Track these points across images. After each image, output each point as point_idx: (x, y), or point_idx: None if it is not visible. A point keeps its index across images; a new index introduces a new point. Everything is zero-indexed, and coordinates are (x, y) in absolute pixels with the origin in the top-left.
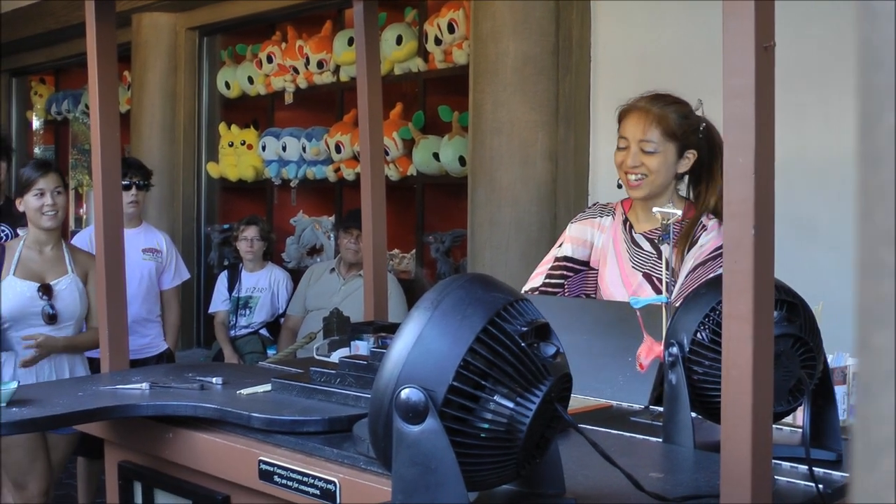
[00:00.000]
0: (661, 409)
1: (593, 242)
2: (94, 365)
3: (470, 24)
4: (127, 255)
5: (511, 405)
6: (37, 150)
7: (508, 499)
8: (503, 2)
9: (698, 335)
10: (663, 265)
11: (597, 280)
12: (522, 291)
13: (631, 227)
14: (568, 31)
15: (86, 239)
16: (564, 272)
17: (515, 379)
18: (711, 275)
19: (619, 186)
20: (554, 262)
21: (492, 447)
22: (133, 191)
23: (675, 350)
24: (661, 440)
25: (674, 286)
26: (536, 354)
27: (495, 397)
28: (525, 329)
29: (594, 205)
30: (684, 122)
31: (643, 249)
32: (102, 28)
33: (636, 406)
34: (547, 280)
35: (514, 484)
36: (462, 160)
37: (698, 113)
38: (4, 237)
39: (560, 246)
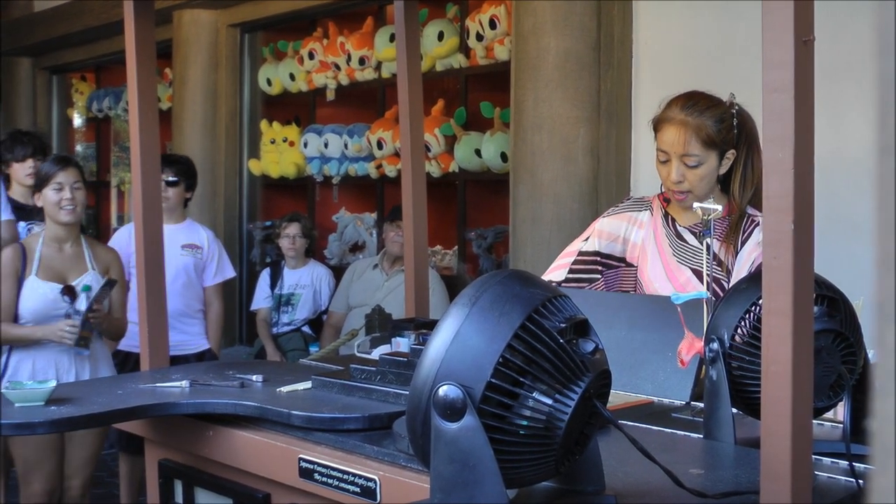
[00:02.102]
0: (701, 405)
1: (628, 238)
2: (118, 357)
3: (511, 21)
4: (165, 251)
5: (549, 402)
6: (78, 148)
7: (548, 496)
8: None
9: (739, 331)
10: (704, 260)
11: (636, 276)
12: None
13: (674, 220)
14: (609, 27)
15: (126, 235)
16: (595, 266)
17: (554, 376)
18: None
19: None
20: (578, 255)
21: (530, 444)
22: (161, 186)
23: (715, 346)
24: (701, 436)
25: (725, 282)
26: (575, 351)
27: (534, 394)
28: (563, 325)
29: (628, 199)
30: (721, 126)
31: (688, 244)
32: (141, 26)
33: (677, 402)
34: (570, 275)
35: (553, 481)
36: (504, 156)
37: (733, 103)
38: None
39: (586, 240)
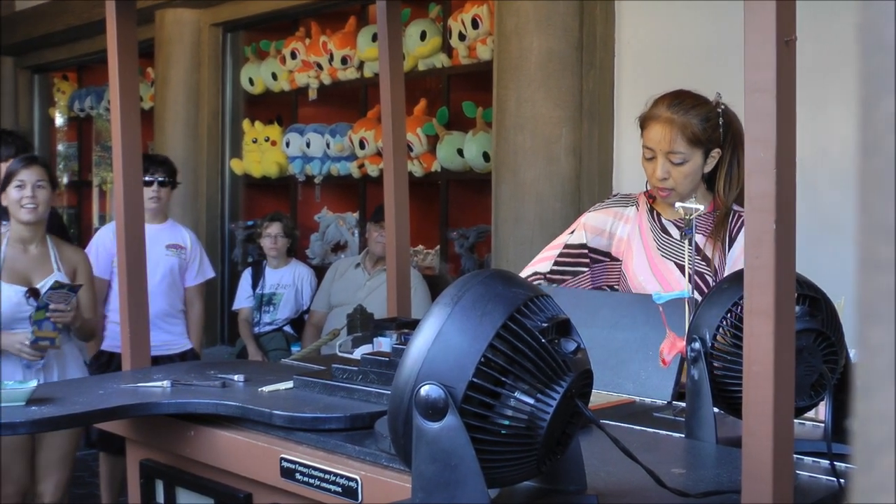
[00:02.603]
0: (683, 404)
1: (614, 232)
2: (101, 357)
3: (494, 20)
4: (150, 251)
5: (531, 401)
6: (60, 148)
7: (529, 495)
8: None
9: (720, 330)
10: (686, 259)
11: (621, 270)
12: (523, 275)
13: (659, 215)
14: (592, 27)
15: (108, 233)
16: (582, 259)
17: (536, 375)
18: None
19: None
20: (563, 248)
21: (512, 444)
22: (154, 187)
23: (697, 345)
24: (683, 436)
25: (709, 276)
26: (557, 350)
27: (515, 394)
28: (545, 325)
29: (615, 195)
30: (707, 124)
31: (673, 238)
32: (123, 25)
33: (659, 401)
34: (555, 267)
35: (535, 480)
36: (486, 156)
37: (719, 102)
38: None
39: (572, 233)
